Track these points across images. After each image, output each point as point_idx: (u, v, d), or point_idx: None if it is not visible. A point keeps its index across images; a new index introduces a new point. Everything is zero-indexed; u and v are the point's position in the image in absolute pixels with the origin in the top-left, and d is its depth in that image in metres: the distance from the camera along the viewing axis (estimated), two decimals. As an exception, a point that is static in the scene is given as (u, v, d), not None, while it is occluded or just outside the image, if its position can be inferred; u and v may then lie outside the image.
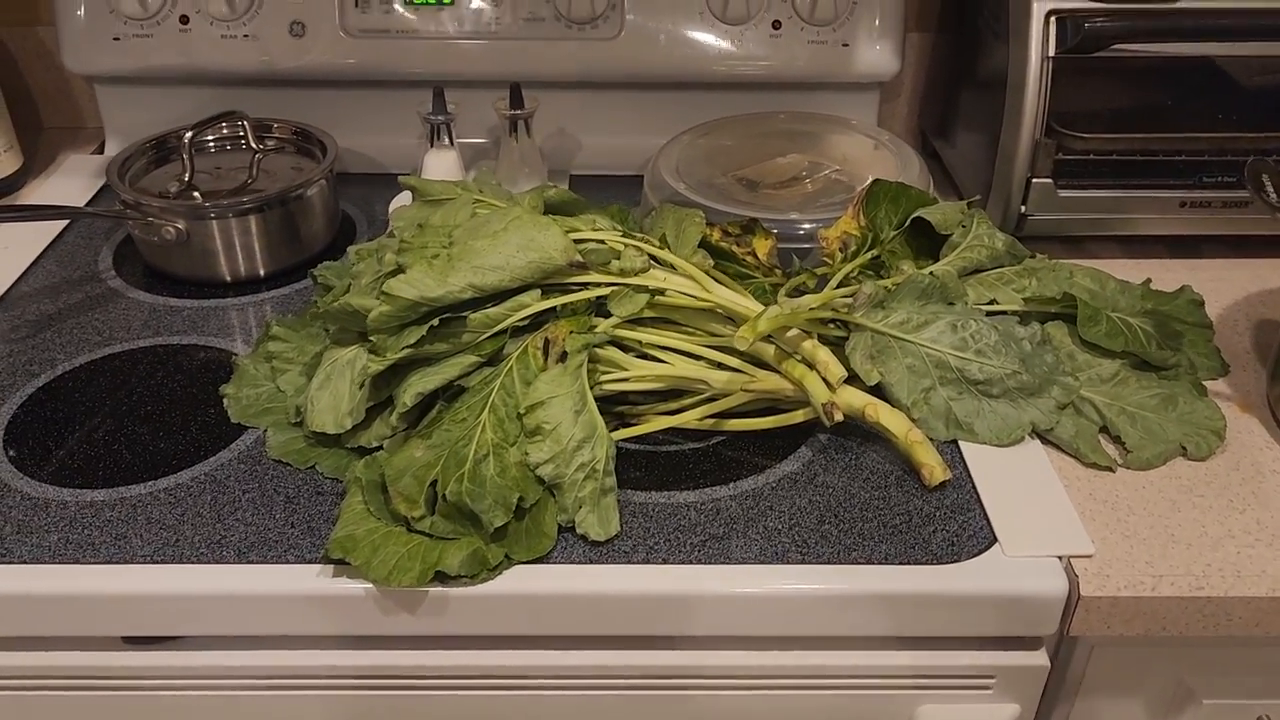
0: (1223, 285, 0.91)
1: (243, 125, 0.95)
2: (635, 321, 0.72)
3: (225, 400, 0.74)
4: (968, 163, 1.00)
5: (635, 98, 1.07)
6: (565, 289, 0.70)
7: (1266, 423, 0.75)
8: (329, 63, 1.02)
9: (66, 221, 0.97)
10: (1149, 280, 0.82)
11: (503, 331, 0.68)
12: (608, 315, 0.71)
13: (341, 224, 0.97)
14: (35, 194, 1.03)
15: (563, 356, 0.67)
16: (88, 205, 1.01)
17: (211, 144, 0.96)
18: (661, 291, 0.71)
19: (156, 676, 0.64)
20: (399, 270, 0.67)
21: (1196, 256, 0.94)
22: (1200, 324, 0.81)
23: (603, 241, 0.72)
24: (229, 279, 0.90)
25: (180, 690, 0.64)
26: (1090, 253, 0.95)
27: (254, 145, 0.95)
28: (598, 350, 0.71)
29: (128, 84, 1.05)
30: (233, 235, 0.87)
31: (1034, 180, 0.89)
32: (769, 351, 0.71)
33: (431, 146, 0.93)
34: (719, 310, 0.72)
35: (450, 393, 0.68)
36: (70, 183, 1.04)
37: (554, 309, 0.70)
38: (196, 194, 0.89)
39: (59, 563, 0.62)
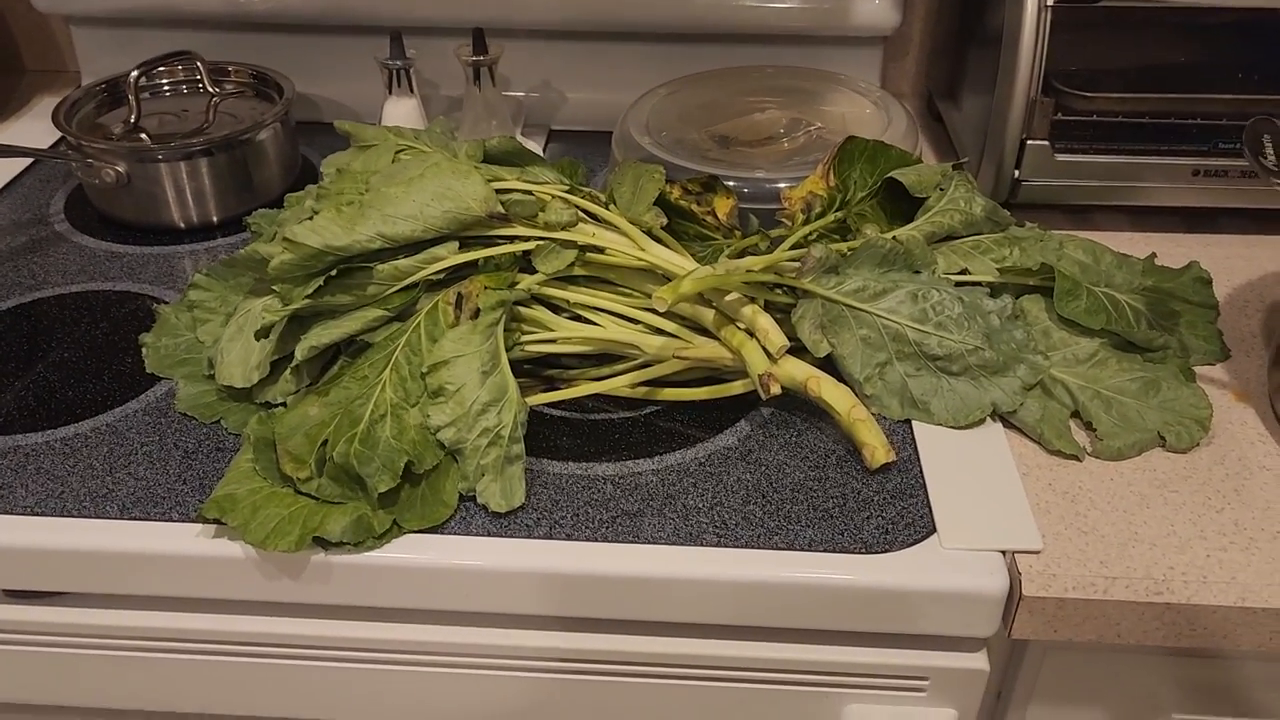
0: (1238, 263, 0.83)
1: (198, 68, 0.91)
2: (566, 280, 0.67)
3: (143, 349, 0.71)
4: (969, 125, 0.93)
5: (620, 49, 1.01)
6: (488, 242, 0.66)
7: (1264, 414, 0.68)
8: (299, 4, 0.98)
9: (28, 164, 0.95)
10: (1153, 255, 0.75)
11: (414, 285, 0.64)
12: (535, 273, 0.66)
13: (303, 170, 0.94)
14: (4, 135, 1.01)
15: (476, 313, 0.63)
16: (50, 149, 0.98)
17: (167, 87, 0.93)
18: (592, 248, 0.66)
19: (39, 632, 0.61)
20: (312, 217, 0.63)
21: (1213, 231, 0.87)
22: (1204, 304, 0.74)
23: (530, 193, 0.67)
24: (180, 225, 0.87)
25: (63, 647, 0.61)
26: (1097, 224, 0.88)
27: (210, 88, 0.92)
28: (522, 309, 0.66)
29: (102, 25, 1.03)
30: (180, 179, 0.84)
31: (1029, 142, 0.82)
32: (708, 317, 0.66)
33: (391, 94, 0.89)
34: (656, 270, 0.67)
35: (355, 348, 0.64)
36: (39, 125, 1.02)
37: (474, 263, 0.65)
38: (144, 136, 0.86)
39: (-63, 511, 0.59)
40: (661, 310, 0.61)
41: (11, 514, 0.59)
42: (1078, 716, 0.65)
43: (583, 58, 1.02)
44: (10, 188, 0.92)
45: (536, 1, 0.97)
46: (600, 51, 1.02)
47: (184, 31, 1.02)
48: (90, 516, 0.59)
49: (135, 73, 0.85)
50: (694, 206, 0.75)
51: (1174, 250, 0.84)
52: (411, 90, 0.89)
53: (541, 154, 0.88)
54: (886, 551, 0.57)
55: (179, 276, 0.81)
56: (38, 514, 0.59)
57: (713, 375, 0.68)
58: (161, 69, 0.90)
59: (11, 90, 1.09)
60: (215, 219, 0.87)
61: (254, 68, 0.93)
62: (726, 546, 0.58)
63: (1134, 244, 0.84)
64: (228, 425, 0.65)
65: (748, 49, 1.01)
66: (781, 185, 0.79)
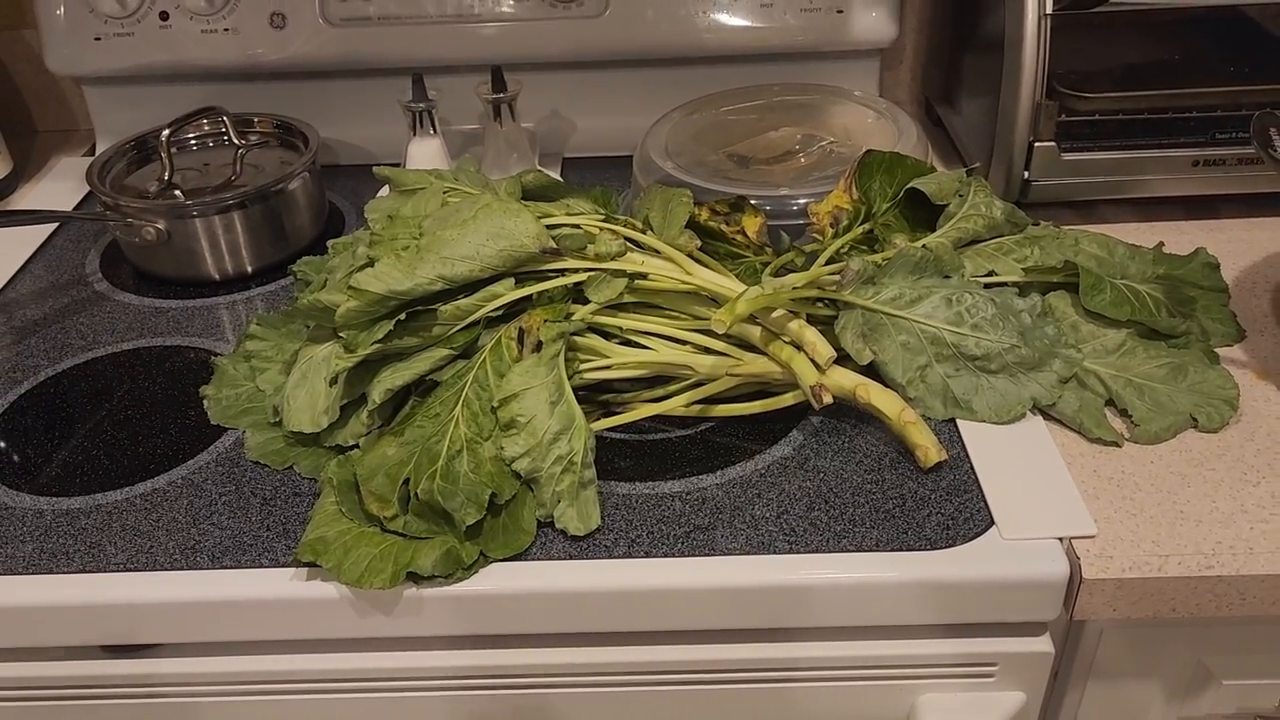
0: (1241, 247, 0.87)
1: (223, 121, 0.93)
2: (616, 307, 0.70)
3: (205, 401, 0.73)
4: (972, 130, 0.97)
5: (627, 76, 1.04)
6: (540, 276, 0.68)
7: (1285, 390, 0.71)
8: (312, 53, 1.00)
9: (55, 225, 0.96)
10: (1161, 244, 0.79)
11: (476, 323, 0.66)
12: (587, 303, 0.69)
13: (330, 217, 0.96)
14: (26, 198, 1.03)
15: (538, 346, 0.65)
16: (76, 208, 1.00)
17: (193, 141, 0.95)
18: (641, 275, 0.69)
19: (137, 685, 0.63)
20: (369, 264, 0.66)
21: (1214, 218, 0.90)
22: (1215, 288, 0.78)
23: (578, 226, 0.69)
24: (216, 277, 0.88)
25: (162, 698, 0.63)
26: (1103, 218, 0.91)
27: (236, 141, 0.94)
28: (577, 338, 0.68)
29: (114, 84, 1.04)
30: (216, 233, 0.86)
31: (1036, 144, 0.85)
32: (755, 334, 0.69)
33: (414, 135, 0.91)
34: (702, 293, 0.70)
35: (424, 388, 0.66)
36: (60, 186, 1.04)
37: (529, 298, 0.67)
38: (178, 192, 0.87)
39: (32, 573, 0.61)
40: (721, 332, 0.64)
41: (104, 571, 0.61)
42: (1133, 689, 0.68)
43: (589, 86, 1.05)
44: (44, 250, 0.93)
45: (543, 37, 1.00)
46: (606, 80, 1.05)
47: (193, 85, 1.04)
48: (182, 569, 0.61)
49: (167, 131, 0.87)
50: (723, 226, 0.78)
51: (1179, 238, 0.87)
52: (434, 130, 0.91)
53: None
54: (951, 546, 0.60)
55: (223, 327, 0.83)
56: (130, 569, 0.61)
57: (762, 389, 0.71)
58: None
59: (28, 153, 1.10)
60: (250, 269, 0.89)
61: (277, 117, 0.95)
62: (799, 552, 0.60)
63: (1140, 234, 0.88)
64: (300, 470, 0.67)
65: (748, 68, 1.04)
66: (803, 201, 0.82)
